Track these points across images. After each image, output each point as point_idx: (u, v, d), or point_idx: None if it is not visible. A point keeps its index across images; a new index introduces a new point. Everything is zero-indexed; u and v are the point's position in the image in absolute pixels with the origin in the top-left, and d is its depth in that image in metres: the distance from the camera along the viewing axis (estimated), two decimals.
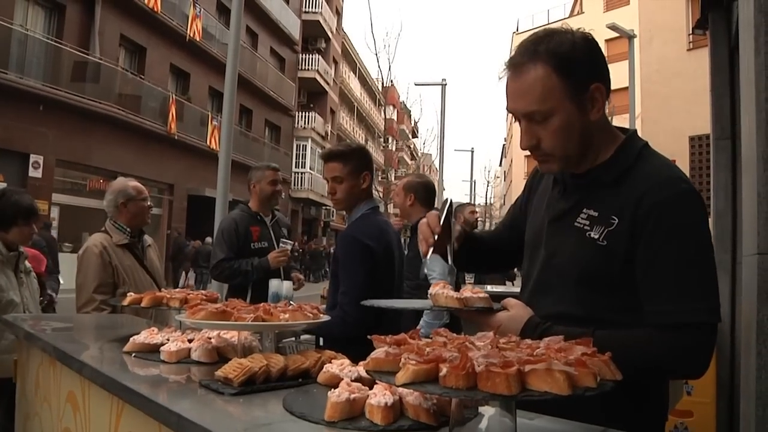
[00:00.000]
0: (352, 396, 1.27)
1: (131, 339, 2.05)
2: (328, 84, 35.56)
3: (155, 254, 3.93)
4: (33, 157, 15.33)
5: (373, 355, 1.11)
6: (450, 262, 1.64)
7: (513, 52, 1.51)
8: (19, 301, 3.30)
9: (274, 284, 3.87)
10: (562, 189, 1.60)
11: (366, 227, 2.86)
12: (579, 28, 1.50)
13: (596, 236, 1.46)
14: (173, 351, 1.91)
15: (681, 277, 1.37)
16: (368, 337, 1.23)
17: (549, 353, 1.09)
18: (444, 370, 0.97)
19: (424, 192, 4.37)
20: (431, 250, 1.62)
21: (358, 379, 1.50)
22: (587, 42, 1.47)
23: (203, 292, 2.47)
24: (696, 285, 1.37)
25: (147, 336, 2.06)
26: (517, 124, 1.54)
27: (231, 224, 4.38)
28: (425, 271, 1.63)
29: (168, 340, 2.03)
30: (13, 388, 2.92)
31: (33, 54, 15.15)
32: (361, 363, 1.62)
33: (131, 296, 2.30)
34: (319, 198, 33.86)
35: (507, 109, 1.51)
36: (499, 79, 1.53)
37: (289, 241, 4.43)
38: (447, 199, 1.73)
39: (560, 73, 1.41)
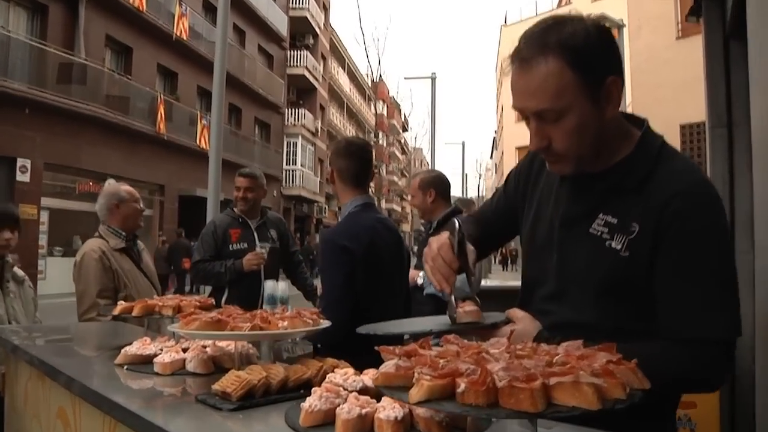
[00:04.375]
0: (363, 411, 1.19)
1: (123, 350, 1.96)
2: (317, 80, 35.38)
3: (149, 258, 3.87)
4: (20, 161, 15.13)
5: (383, 369, 1.03)
6: (472, 292, 1.50)
7: (519, 43, 1.37)
8: (2, 313, 3.20)
9: (269, 286, 3.77)
10: (572, 189, 1.48)
11: (346, 227, 2.77)
12: (589, 14, 1.38)
13: (618, 246, 1.36)
14: (167, 362, 1.82)
15: (704, 290, 1.29)
16: (376, 348, 1.15)
17: (570, 361, 1.02)
18: (462, 386, 0.89)
19: (442, 185, 4.24)
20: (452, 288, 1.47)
21: (364, 390, 1.43)
22: (601, 30, 1.34)
23: (197, 297, 2.39)
24: (718, 298, 1.29)
25: (139, 347, 1.98)
26: (519, 120, 1.42)
27: (210, 227, 4.51)
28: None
29: (161, 350, 1.95)
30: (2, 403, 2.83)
31: (16, 56, 14.92)
32: (365, 372, 1.54)
33: (122, 305, 2.22)
34: (311, 195, 33.76)
35: (514, 107, 1.38)
36: (505, 73, 1.40)
37: (267, 244, 4.39)
38: (454, 224, 1.50)
39: (574, 68, 1.29)
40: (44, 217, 15.94)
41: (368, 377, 1.49)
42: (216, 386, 1.48)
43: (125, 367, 1.91)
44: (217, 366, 1.88)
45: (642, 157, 1.40)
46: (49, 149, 15.80)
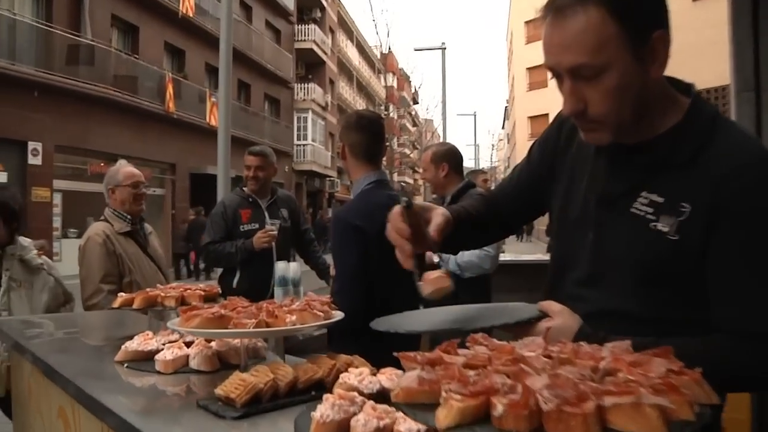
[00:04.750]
0: (381, 423, 1.05)
1: (123, 347, 1.84)
2: (325, 54, 34.97)
3: (157, 242, 3.76)
4: (31, 145, 15.03)
5: (403, 382, 0.88)
6: (436, 259, 1.36)
7: None
8: None
9: (281, 267, 3.66)
10: (610, 163, 1.30)
11: (359, 206, 2.63)
12: None
13: (665, 228, 1.19)
14: (168, 360, 1.70)
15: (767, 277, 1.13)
16: (395, 354, 1.01)
17: (620, 367, 0.87)
18: (499, 408, 0.75)
19: (455, 159, 4.09)
20: (414, 261, 1.31)
21: (380, 393, 1.29)
22: None
23: (201, 286, 2.26)
24: None
25: (140, 342, 1.85)
26: (531, 90, 1.25)
27: (219, 208, 4.40)
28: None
29: (164, 346, 1.83)
30: None
31: (23, 39, 14.75)
32: (382, 371, 1.40)
33: (122, 297, 2.09)
34: (323, 169, 33.59)
35: (547, 65, 1.22)
36: (538, 25, 1.22)
37: (277, 221, 4.28)
38: (400, 197, 1.34)
39: (617, 18, 1.12)
40: (57, 199, 15.87)
41: (386, 377, 1.35)
42: (219, 390, 1.35)
43: (125, 365, 1.79)
44: (223, 362, 1.76)
45: (693, 127, 1.22)
46: (60, 131, 15.68)
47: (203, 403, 1.36)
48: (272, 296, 3.44)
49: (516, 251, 16.02)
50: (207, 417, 1.31)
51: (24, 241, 3.28)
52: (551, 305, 1.26)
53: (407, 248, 1.31)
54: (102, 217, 3.52)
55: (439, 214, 1.37)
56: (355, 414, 1.12)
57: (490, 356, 0.96)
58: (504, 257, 6.11)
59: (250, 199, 4.33)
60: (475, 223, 1.57)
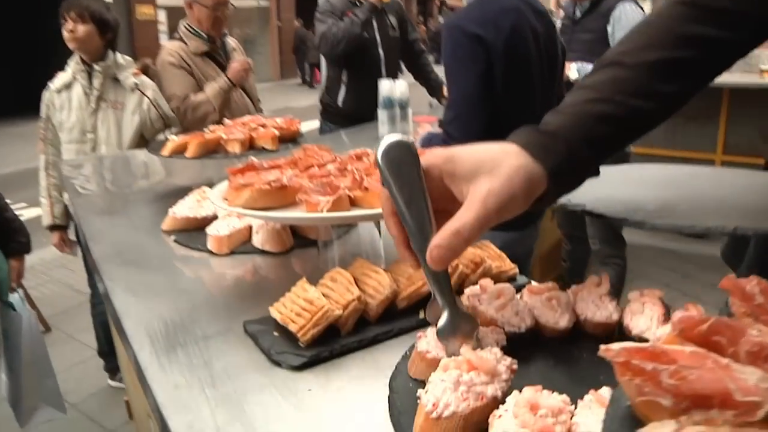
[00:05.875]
0: None
1: (170, 211, 1.38)
2: None
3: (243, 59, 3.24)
4: None
5: None
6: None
7: None
8: (70, 125, 2.75)
9: (385, 87, 3.13)
10: None
11: (479, 10, 1.94)
12: None
13: None
14: (223, 237, 1.22)
15: None
16: (599, 354, 0.45)
17: None
18: None
19: None
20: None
21: (530, 330, 0.76)
22: None
23: (278, 121, 1.74)
24: None
25: (192, 205, 1.38)
26: None
27: (325, 5, 3.79)
28: None
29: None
30: None
31: None
32: (530, 288, 0.85)
33: (173, 142, 1.60)
34: None
35: None
36: None
37: None
38: (378, 150, 0.67)
39: None
40: (162, 16, 15.69)
41: (540, 299, 0.80)
42: (275, 311, 0.86)
43: (173, 237, 1.34)
44: (298, 237, 1.27)
45: None
46: None
47: (253, 330, 0.87)
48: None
49: None
50: (252, 357, 0.82)
51: (121, 59, 2.83)
52: None
53: (413, 261, 0.68)
54: (176, 35, 3.03)
55: (473, 210, 0.63)
56: (496, 400, 0.60)
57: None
58: None
59: (358, 3, 3.70)
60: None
